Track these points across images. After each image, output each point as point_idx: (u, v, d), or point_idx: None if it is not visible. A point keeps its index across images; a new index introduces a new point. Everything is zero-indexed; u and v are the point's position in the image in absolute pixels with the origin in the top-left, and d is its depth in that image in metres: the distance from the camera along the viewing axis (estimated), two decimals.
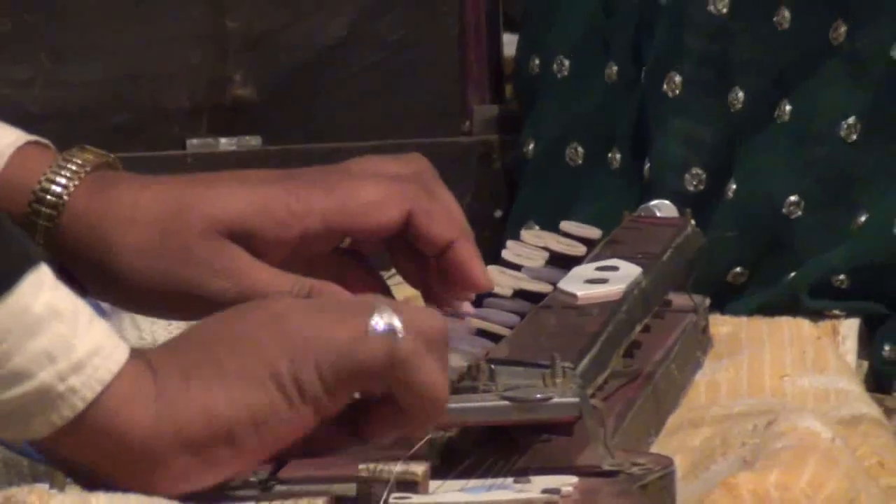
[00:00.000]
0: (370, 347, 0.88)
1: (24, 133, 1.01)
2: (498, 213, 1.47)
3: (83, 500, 0.85)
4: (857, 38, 1.54)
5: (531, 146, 1.51)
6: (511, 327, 1.03)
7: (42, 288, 0.84)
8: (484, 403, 0.94)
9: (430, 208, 1.07)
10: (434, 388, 0.90)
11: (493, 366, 0.95)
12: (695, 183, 1.33)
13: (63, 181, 0.96)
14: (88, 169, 0.97)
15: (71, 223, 0.96)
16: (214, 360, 0.88)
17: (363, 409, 0.91)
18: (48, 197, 0.96)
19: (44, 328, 0.84)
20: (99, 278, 0.85)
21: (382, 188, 1.07)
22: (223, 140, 1.38)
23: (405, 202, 1.06)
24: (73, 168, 0.96)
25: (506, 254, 1.17)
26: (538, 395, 0.95)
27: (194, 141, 1.38)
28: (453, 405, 0.97)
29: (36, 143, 0.99)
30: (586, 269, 1.13)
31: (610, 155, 1.45)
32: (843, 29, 1.50)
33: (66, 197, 0.97)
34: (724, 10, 1.48)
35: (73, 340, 0.85)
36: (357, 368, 0.88)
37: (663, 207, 1.25)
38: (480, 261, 1.06)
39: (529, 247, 1.18)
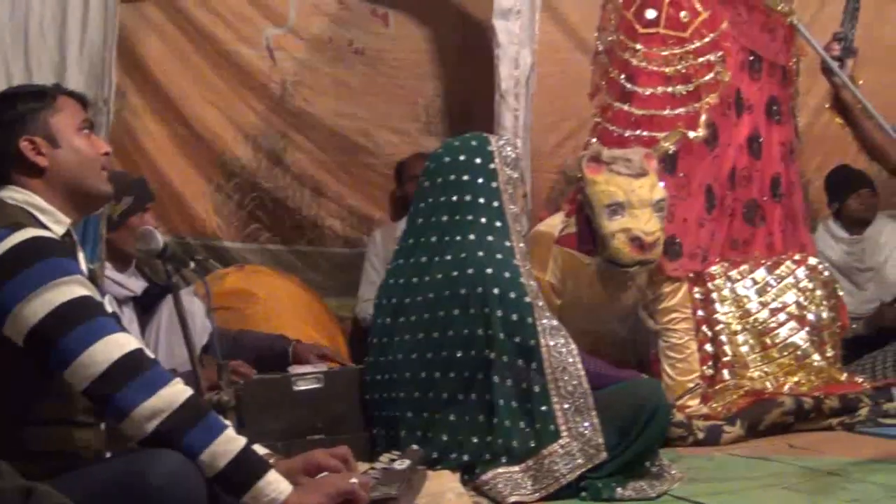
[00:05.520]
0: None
1: (268, 452, 2.02)
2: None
3: None
4: None
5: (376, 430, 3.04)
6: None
7: (270, 474, 1.87)
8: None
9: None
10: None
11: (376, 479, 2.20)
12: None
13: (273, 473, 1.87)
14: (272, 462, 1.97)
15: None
16: (306, 495, 1.90)
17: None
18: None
19: (270, 486, 1.86)
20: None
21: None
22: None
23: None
24: (272, 461, 1.94)
25: (377, 464, 2.45)
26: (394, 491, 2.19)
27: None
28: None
29: (267, 454, 2.01)
30: (399, 463, 2.39)
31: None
32: None
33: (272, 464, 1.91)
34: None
35: (278, 487, 1.87)
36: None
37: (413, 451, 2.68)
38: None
39: (386, 460, 2.49)
